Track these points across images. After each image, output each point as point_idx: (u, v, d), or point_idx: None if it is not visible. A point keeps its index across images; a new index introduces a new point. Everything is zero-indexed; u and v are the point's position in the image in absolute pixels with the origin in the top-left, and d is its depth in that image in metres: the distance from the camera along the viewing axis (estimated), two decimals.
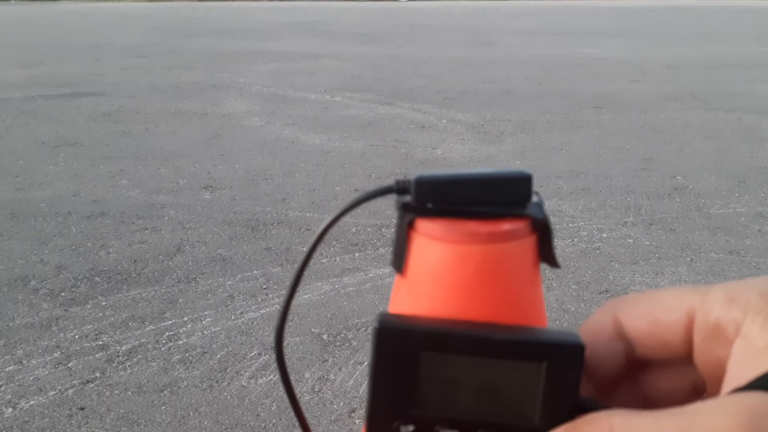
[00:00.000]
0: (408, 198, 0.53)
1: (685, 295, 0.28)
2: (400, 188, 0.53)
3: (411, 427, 0.47)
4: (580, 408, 0.49)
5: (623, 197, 3.49)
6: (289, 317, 2.22)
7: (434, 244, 0.47)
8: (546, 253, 0.51)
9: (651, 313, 0.30)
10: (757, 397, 0.23)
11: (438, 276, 0.47)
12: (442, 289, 0.48)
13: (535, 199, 0.55)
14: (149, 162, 4.02)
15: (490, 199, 0.49)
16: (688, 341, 0.29)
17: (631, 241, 2.91)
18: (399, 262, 0.53)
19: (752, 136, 4.80)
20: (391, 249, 0.52)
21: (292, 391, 0.68)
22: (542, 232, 0.50)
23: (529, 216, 0.50)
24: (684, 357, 0.30)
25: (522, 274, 0.49)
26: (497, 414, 0.48)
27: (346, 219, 3.11)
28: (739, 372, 0.26)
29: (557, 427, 0.48)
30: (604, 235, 2.98)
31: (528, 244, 0.50)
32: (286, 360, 1.69)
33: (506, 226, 0.48)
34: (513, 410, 0.47)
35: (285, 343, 1.87)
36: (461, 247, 0.46)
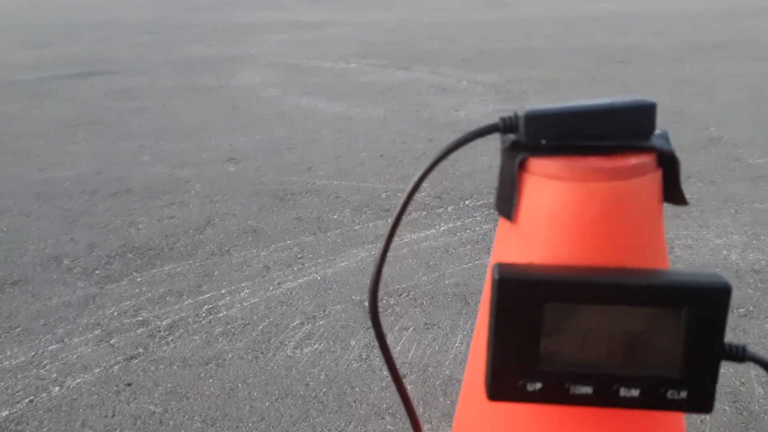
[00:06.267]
0: (516, 136, 0.47)
1: None
2: (506, 126, 0.46)
3: (538, 385, 0.42)
4: (726, 356, 0.43)
5: None
6: (328, 286, 2.18)
7: (552, 183, 0.41)
8: (672, 189, 0.44)
9: None
10: None
11: (557, 219, 0.41)
12: (562, 233, 0.41)
13: (658, 130, 0.48)
14: (169, 137, 3.97)
15: (610, 132, 0.42)
16: None
17: None
18: (509, 207, 0.46)
19: None
20: (495, 193, 0.45)
21: (391, 359, 0.61)
22: (669, 166, 0.44)
23: (655, 148, 0.43)
24: None
25: (649, 213, 0.42)
26: (634, 367, 0.42)
27: (375, 185, 3.05)
28: None
29: (702, 378, 0.42)
30: None
31: (655, 179, 0.43)
32: (330, 329, 1.63)
33: (633, 160, 0.42)
34: (651, 362, 0.41)
35: (326, 312, 1.81)
36: (584, 185, 0.39)
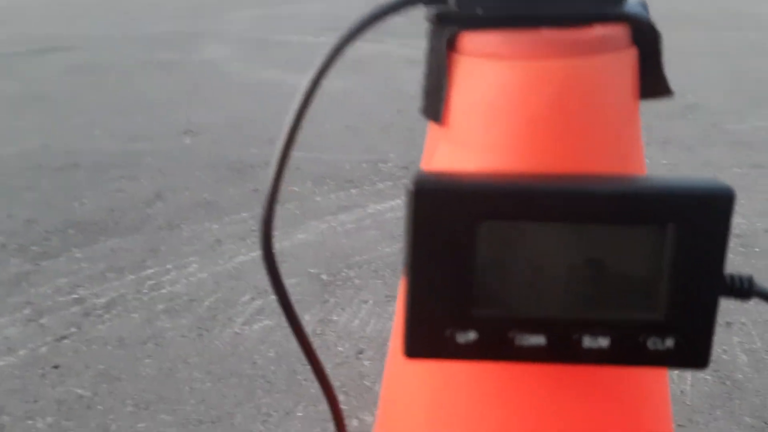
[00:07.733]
0: (444, 7, 0.35)
1: None
2: None
3: (472, 335, 0.29)
4: (728, 290, 0.31)
5: None
6: (284, 259, 2.03)
7: (490, 64, 0.29)
8: (652, 76, 0.32)
9: None
10: None
11: (497, 112, 0.30)
12: (503, 131, 0.30)
13: None
14: (124, 112, 3.77)
15: None
16: None
17: (647, 161, 2.72)
18: (435, 105, 0.33)
19: (763, 53, 4.59)
20: (421, 96, 0.31)
21: (292, 310, 0.47)
22: (647, 42, 0.31)
23: (629, 16, 0.31)
24: None
25: (619, 104, 0.30)
26: (601, 308, 0.29)
27: (338, 156, 2.90)
28: None
29: (694, 321, 0.32)
30: None
31: (627, 58, 0.30)
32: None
33: (598, 31, 0.29)
34: (625, 301, 0.29)
35: None
36: (532, 65, 0.28)
